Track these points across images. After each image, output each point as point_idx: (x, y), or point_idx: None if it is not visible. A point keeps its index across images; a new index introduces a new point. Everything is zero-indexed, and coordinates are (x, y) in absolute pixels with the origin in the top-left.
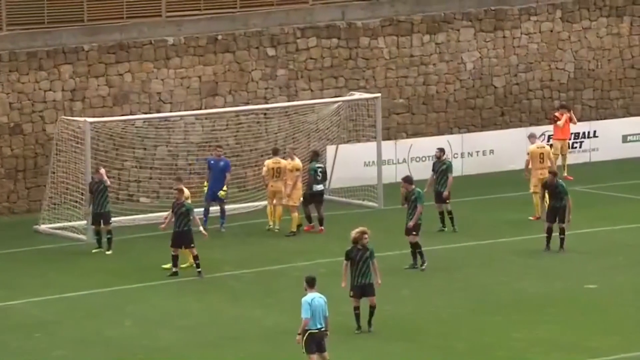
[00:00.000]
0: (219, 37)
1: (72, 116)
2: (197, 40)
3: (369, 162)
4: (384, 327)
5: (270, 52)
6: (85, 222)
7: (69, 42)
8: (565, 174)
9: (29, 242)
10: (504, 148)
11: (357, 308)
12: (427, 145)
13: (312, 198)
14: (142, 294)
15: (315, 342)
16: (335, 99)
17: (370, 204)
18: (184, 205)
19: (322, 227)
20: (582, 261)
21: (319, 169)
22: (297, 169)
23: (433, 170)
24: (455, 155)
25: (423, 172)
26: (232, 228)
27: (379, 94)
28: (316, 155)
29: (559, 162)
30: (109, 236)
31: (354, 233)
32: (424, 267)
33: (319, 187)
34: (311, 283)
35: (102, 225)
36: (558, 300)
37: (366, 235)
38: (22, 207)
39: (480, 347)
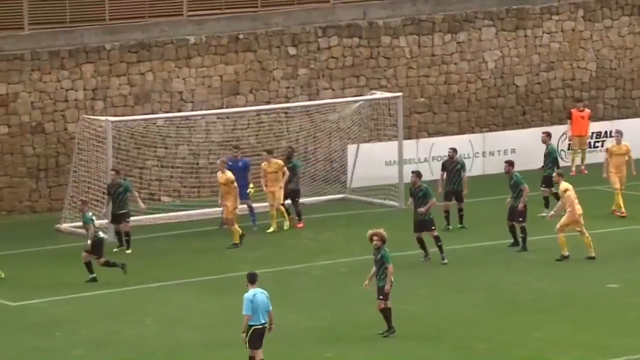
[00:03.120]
0: (240, 36)
1: (93, 115)
2: (219, 39)
3: (390, 161)
4: (403, 326)
5: (292, 51)
6: (106, 221)
7: (91, 42)
8: (582, 168)
9: (50, 241)
10: (526, 147)
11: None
12: (449, 144)
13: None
14: (161, 293)
15: (259, 337)
16: (356, 98)
17: (392, 203)
18: (83, 216)
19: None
20: (602, 261)
21: None
22: (232, 182)
23: (444, 169)
24: (477, 155)
25: None
26: (252, 227)
27: (400, 93)
28: (293, 151)
29: (578, 158)
30: (126, 237)
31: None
32: (424, 260)
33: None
34: (252, 279)
35: (120, 225)
36: (577, 300)
37: (375, 238)
38: (44, 206)
39: (500, 347)
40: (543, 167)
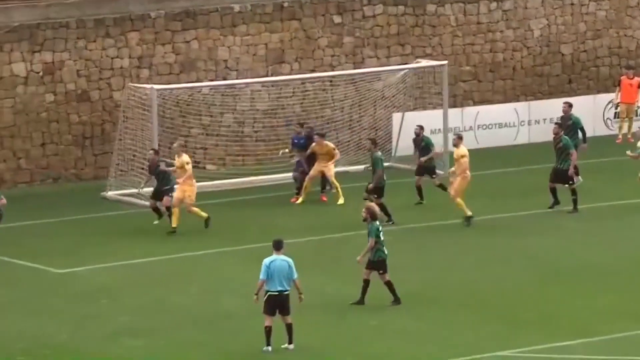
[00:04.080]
0: (285, 5)
1: (139, 83)
2: (264, 7)
3: (435, 129)
4: (448, 295)
5: (337, 19)
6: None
7: (136, 10)
8: (629, 137)
9: (96, 208)
10: None
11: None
12: (494, 112)
13: None
14: (206, 261)
15: (272, 304)
16: (401, 66)
17: (436, 171)
18: None
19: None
20: None
21: None
22: (188, 163)
23: (415, 145)
24: (522, 123)
25: (489, 140)
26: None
27: (446, 62)
28: (312, 130)
29: (625, 126)
30: (168, 212)
31: None
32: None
33: None
34: (276, 246)
35: (161, 201)
36: (622, 269)
37: (363, 210)
38: (90, 174)
39: (544, 317)
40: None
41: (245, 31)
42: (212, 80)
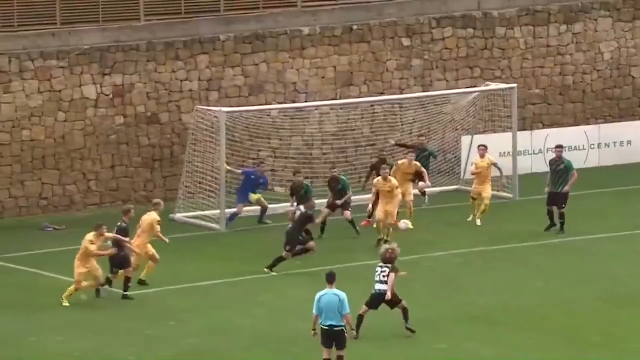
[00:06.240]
0: (354, 27)
1: (207, 106)
2: (333, 30)
3: (505, 152)
4: (516, 318)
5: (405, 42)
6: (219, 211)
7: (206, 32)
8: None
9: (165, 230)
10: None
11: None
12: (564, 135)
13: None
14: (275, 283)
15: (325, 337)
16: (470, 89)
17: (506, 194)
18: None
19: None
20: None
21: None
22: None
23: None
24: (592, 146)
25: None
26: (360, 218)
27: (515, 84)
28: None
29: None
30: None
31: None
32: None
33: None
34: (328, 279)
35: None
36: None
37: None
38: (159, 196)
39: (613, 339)
40: (553, 184)
41: (314, 54)
42: (280, 103)
